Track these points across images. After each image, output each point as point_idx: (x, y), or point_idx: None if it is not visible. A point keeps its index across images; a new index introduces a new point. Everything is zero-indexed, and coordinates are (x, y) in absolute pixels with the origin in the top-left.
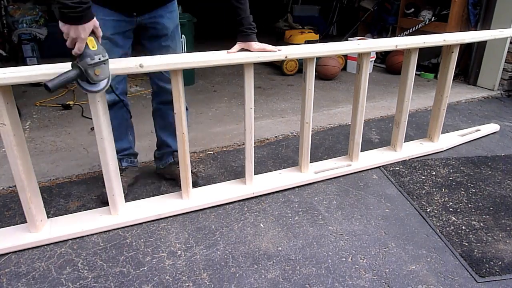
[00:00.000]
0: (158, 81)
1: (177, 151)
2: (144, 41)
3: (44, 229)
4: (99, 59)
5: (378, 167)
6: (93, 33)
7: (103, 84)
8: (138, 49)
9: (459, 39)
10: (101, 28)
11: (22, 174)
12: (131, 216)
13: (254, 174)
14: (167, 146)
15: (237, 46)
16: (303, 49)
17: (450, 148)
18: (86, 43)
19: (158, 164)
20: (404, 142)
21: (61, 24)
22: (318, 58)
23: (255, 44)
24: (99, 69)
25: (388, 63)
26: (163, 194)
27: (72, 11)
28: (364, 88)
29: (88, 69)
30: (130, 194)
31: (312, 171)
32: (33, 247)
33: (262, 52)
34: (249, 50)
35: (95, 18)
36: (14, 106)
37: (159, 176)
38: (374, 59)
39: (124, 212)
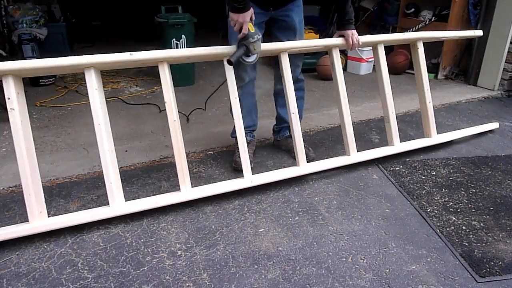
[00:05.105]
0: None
1: None
2: (275, 32)
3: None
4: (257, 37)
5: (377, 165)
6: (250, 20)
7: (254, 57)
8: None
9: (419, 36)
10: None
11: (25, 157)
12: (130, 208)
13: (253, 174)
14: (285, 122)
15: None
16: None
17: (449, 146)
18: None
19: (276, 137)
20: (404, 142)
21: (231, 15)
22: (318, 58)
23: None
24: (256, 45)
25: (388, 63)
26: (163, 194)
27: (238, 4)
28: (341, 80)
29: (250, 45)
30: (131, 194)
31: (308, 165)
32: (32, 234)
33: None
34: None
35: (251, 9)
36: (23, 97)
37: (274, 147)
38: (374, 59)
39: (123, 206)
